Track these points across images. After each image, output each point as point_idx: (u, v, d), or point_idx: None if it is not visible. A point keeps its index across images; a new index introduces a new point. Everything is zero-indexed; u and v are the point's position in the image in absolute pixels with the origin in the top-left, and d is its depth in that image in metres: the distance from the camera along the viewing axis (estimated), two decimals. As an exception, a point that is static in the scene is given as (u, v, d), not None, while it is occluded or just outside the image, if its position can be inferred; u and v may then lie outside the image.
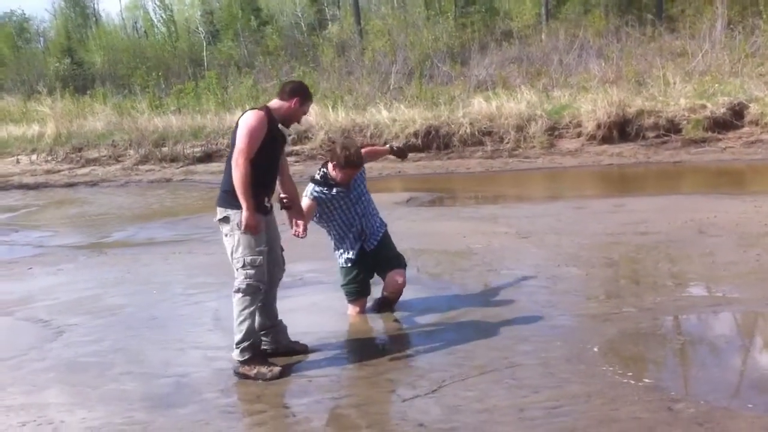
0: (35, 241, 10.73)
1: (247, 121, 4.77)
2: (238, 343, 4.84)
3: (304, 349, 5.29)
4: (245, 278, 4.81)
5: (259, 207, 4.85)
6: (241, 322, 4.83)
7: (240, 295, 4.83)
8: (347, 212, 5.83)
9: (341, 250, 6.01)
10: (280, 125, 4.97)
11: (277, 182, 5.14)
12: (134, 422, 4.33)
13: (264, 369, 4.80)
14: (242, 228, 4.75)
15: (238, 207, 4.76)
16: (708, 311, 5.64)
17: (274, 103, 5.00)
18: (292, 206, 5.25)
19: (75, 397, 4.78)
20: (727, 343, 5.08)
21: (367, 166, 5.96)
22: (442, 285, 6.92)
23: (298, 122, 5.19)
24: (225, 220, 4.87)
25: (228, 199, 4.84)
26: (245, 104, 21.96)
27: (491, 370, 4.70)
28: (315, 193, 5.73)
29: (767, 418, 3.87)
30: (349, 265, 5.96)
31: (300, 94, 4.97)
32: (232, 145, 4.84)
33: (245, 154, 4.69)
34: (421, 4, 32.68)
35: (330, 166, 5.70)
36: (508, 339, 5.24)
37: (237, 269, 4.85)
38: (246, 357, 4.83)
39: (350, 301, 6.06)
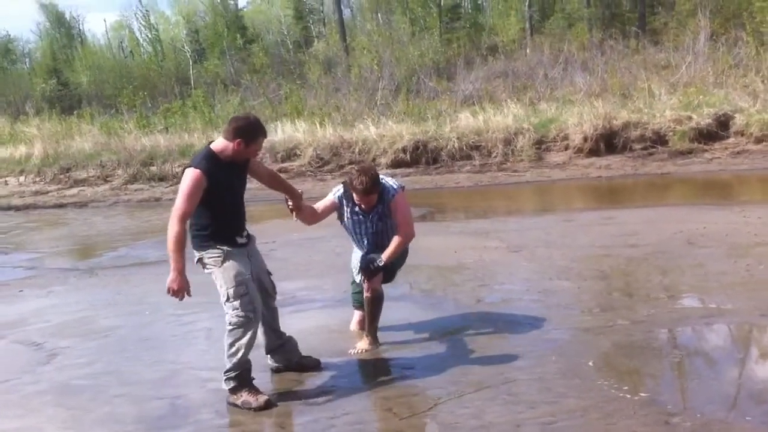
0: (25, 263, 10.65)
1: (183, 181, 4.67)
2: (225, 372, 4.79)
3: (315, 364, 5.28)
4: (233, 310, 4.75)
5: (234, 243, 4.83)
6: (232, 354, 4.76)
7: (231, 328, 4.77)
8: (358, 232, 5.71)
9: (354, 265, 5.91)
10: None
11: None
12: (130, 445, 4.31)
13: (250, 398, 4.71)
14: (166, 289, 4.69)
15: (207, 248, 4.79)
16: (702, 323, 5.66)
17: (219, 144, 4.78)
18: (300, 209, 5.36)
19: (69, 420, 4.75)
20: (722, 354, 5.10)
21: None
22: (435, 300, 6.92)
23: (253, 157, 4.96)
24: (200, 262, 4.87)
25: (197, 242, 4.84)
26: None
27: (487, 386, 4.70)
28: (338, 196, 5.66)
29: (764, 429, 3.89)
30: (357, 281, 5.89)
31: (243, 135, 4.70)
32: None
33: (179, 213, 4.60)
34: (406, 21, 32.83)
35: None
36: (503, 355, 5.24)
37: (224, 304, 4.81)
38: (232, 386, 4.78)
39: (355, 308, 6.06)
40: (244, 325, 4.75)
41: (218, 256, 4.78)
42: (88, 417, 4.78)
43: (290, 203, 5.34)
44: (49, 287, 8.71)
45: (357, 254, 5.85)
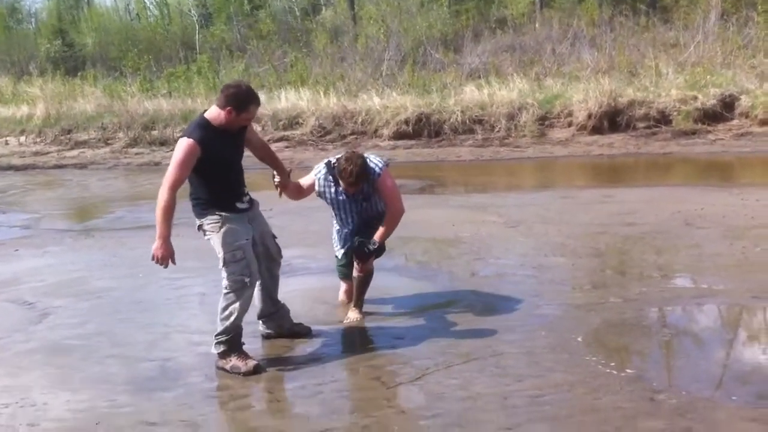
0: (22, 222, 10.67)
1: (176, 150, 4.66)
2: (217, 335, 4.81)
3: (307, 332, 5.32)
4: (229, 275, 4.77)
5: (233, 209, 4.84)
6: (225, 317, 4.78)
7: (226, 291, 4.79)
8: (343, 210, 5.68)
9: (335, 238, 5.93)
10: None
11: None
12: (118, 405, 4.35)
13: (239, 363, 4.74)
14: (151, 256, 4.69)
15: (206, 215, 4.80)
16: (693, 303, 5.66)
17: (212, 112, 4.76)
18: (286, 187, 5.36)
19: (59, 379, 4.78)
20: (710, 335, 5.11)
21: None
22: (429, 273, 6.93)
23: (246, 125, 4.91)
24: (200, 228, 4.88)
25: (197, 210, 4.85)
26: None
27: (475, 358, 4.71)
28: (319, 177, 5.59)
29: (749, 410, 3.91)
30: (338, 256, 5.93)
31: (233, 104, 4.66)
32: None
33: (170, 182, 4.58)
34: (415, -9, 32.51)
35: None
36: (493, 328, 5.25)
37: (221, 269, 4.82)
38: (222, 350, 4.80)
39: (341, 279, 6.06)
40: (239, 289, 4.76)
41: (216, 222, 4.78)
42: (78, 376, 4.81)
43: (276, 180, 5.31)
44: (45, 247, 8.73)
45: (340, 231, 5.84)
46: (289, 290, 6.32)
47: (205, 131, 4.68)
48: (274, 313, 5.25)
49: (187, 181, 4.75)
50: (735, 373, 4.45)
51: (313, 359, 4.90)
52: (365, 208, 5.62)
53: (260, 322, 5.28)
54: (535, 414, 3.95)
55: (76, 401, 4.43)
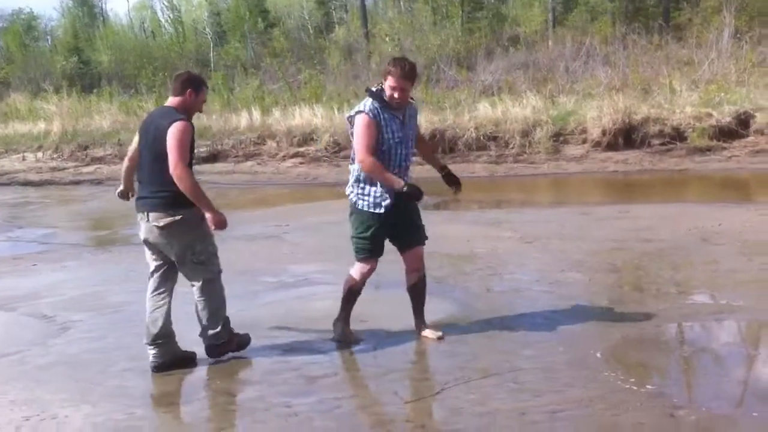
0: (40, 237, 10.76)
1: (176, 134, 4.76)
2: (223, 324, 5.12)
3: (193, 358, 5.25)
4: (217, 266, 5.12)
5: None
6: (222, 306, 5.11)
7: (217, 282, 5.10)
8: (393, 143, 5.14)
9: (374, 189, 5.17)
10: None
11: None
12: (136, 418, 4.36)
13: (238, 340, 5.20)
14: (216, 226, 4.89)
15: (180, 208, 4.87)
16: (711, 319, 5.64)
17: (173, 101, 5.01)
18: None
19: (78, 392, 4.79)
20: (730, 351, 5.08)
21: None
22: (446, 288, 6.92)
23: (200, 111, 5.22)
24: (173, 224, 4.92)
25: (167, 201, 4.90)
26: (251, 105, 22.00)
27: (493, 373, 4.70)
28: (371, 109, 5.08)
29: (769, 426, 3.88)
30: (381, 211, 5.16)
31: (192, 86, 5.00)
32: (152, 150, 4.90)
33: (183, 164, 4.76)
34: (428, 9, 32.66)
35: (387, 85, 5.07)
36: (511, 343, 5.24)
37: (204, 261, 5.01)
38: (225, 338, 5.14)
39: (360, 259, 5.34)
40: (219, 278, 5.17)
41: (196, 216, 4.92)
42: (97, 390, 4.82)
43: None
44: (63, 262, 8.79)
45: (376, 192, 5.17)
46: (306, 305, 6.34)
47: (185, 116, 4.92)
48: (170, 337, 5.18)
49: (147, 171, 4.96)
50: (755, 389, 4.42)
51: (331, 373, 4.90)
52: (408, 136, 5.23)
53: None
54: (554, 430, 3.93)
55: (95, 414, 4.43)
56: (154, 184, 4.89)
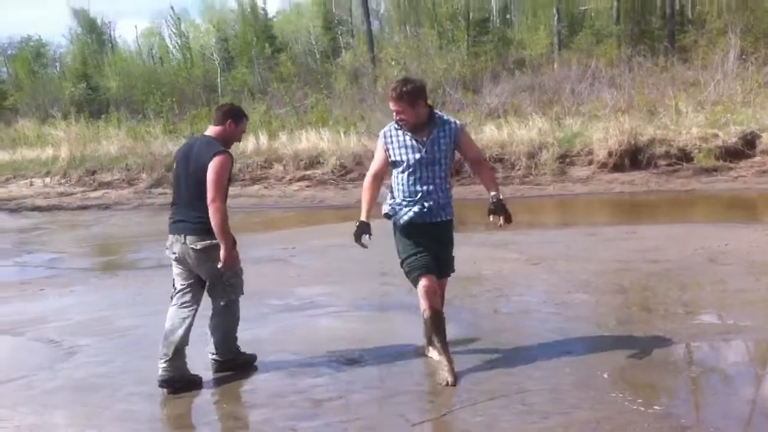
0: (47, 262, 10.79)
1: (217, 167, 4.96)
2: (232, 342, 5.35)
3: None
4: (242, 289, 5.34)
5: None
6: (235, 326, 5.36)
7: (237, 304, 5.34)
8: (414, 164, 5.15)
9: (398, 200, 5.23)
10: None
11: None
12: (143, 442, 4.35)
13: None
14: (229, 265, 5.08)
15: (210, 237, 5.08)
16: (719, 339, 5.61)
17: (212, 131, 5.23)
18: None
19: (85, 416, 4.80)
20: (738, 371, 5.05)
21: None
22: (453, 310, 6.87)
23: (239, 141, 5.42)
24: (204, 249, 5.08)
25: (201, 228, 5.09)
26: (257, 130, 22.11)
27: (501, 395, 4.68)
28: (386, 130, 5.23)
29: (778, 447, 3.85)
30: (407, 219, 5.17)
31: (232, 117, 5.23)
32: (194, 177, 5.06)
33: (221, 198, 4.99)
34: (434, 34, 32.86)
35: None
36: (518, 365, 5.22)
37: (234, 284, 5.25)
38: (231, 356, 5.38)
39: (417, 277, 5.16)
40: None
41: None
42: (105, 414, 4.82)
43: None
44: (70, 286, 8.81)
45: (401, 202, 5.21)
46: (311, 328, 6.34)
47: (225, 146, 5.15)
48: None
49: (186, 197, 5.14)
50: (763, 409, 4.40)
51: (337, 396, 4.89)
52: (434, 160, 5.18)
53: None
54: (562, 451, 3.92)
55: (102, 438, 4.44)
56: (195, 209, 5.06)
